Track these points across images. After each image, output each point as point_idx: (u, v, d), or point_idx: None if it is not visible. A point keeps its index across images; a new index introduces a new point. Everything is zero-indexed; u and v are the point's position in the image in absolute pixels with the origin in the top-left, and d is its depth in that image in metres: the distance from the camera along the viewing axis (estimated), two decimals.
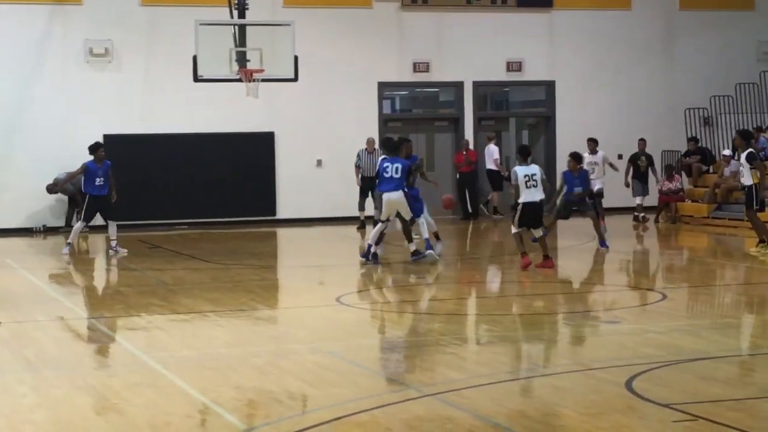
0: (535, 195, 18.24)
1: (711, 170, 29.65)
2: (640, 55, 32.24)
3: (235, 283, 17.93)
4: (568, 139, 31.50)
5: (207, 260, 21.37)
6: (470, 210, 30.60)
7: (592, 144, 25.66)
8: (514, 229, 18.59)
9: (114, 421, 9.13)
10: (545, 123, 32.49)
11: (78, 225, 22.70)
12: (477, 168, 30.94)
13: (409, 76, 31.05)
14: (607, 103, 31.98)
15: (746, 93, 31.67)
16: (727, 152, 28.34)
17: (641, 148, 28.84)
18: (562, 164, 31.22)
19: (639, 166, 28.57)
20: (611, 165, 25.90)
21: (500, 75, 31.60)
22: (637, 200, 28.42)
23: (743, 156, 20.54)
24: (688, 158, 29.90)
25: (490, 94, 33.03)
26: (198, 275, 19.17)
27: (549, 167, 31.67)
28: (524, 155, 18.69)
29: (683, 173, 29.72)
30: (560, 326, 14.00)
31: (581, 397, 9.67)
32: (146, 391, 10.12)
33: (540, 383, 10.27)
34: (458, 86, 31.44)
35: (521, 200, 18.25)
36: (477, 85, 31.51)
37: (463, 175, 30.69)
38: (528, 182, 18.14)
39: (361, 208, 27.47)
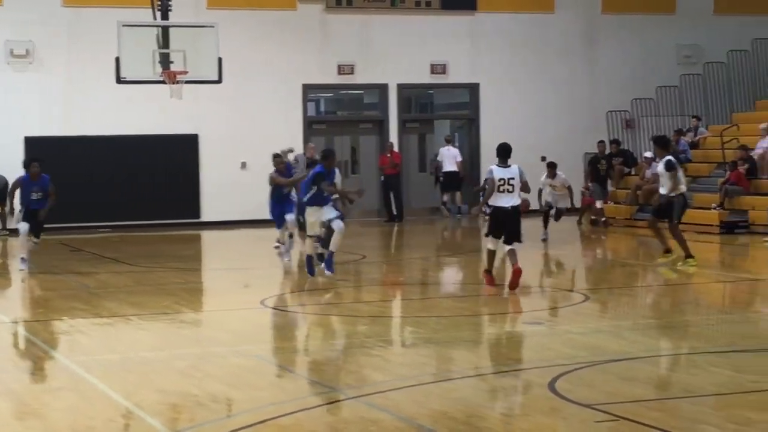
0: (508, 200, 16.10)
1: (633, 172, 29.93)
2: (562, 58, 32.49)
3: (159, 286, 17.81)
4: (492, 142, 31.56)
5: (130, 263, 21.21)
6: (395, 212, 30.65)
7: (552, 169, 24.59)
8: (487, 242, 16.74)
9: (35, 426, 9.03)
10: (469, 125, 32.63)
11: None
12: (401, 170, 31.03)
13: (333, 78, 31.05)
14: (531, 106, 32.18)
15: (667, 96, 32.10)
16: (648, 154, 28.59)
17: (601, 151, 28.93)
18: (486, 166, 31.41)
19: (599, 170, 28.54)
20: (569, 188, 25.26)
21: (424, 77, 31.69)
22: (598, 204, 27.98)
23: (661, 164, 19.10)
24: (612, 160, 30.12)
25: (414, 97, 33.12)
26: (121, 278, 19.02)
27: (473, 169, 31.87)
28: (503, 155, 16.37)
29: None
30: (484, 328, 14.07)
31: (505, 398, 9.73)
32: (68, 395, 10.02)
33: (464, 384, 10.31)
34: (383, 88, 31.49)
35: (491, 203, 16.23)
36: (401, 88, 31.57)
37: (387, 177, 30.73)
38: (502, 186, 16.08)
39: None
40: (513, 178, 16.11)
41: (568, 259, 22.16)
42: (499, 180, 16.05)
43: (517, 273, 15.91)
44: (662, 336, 13.05)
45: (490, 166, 16.46)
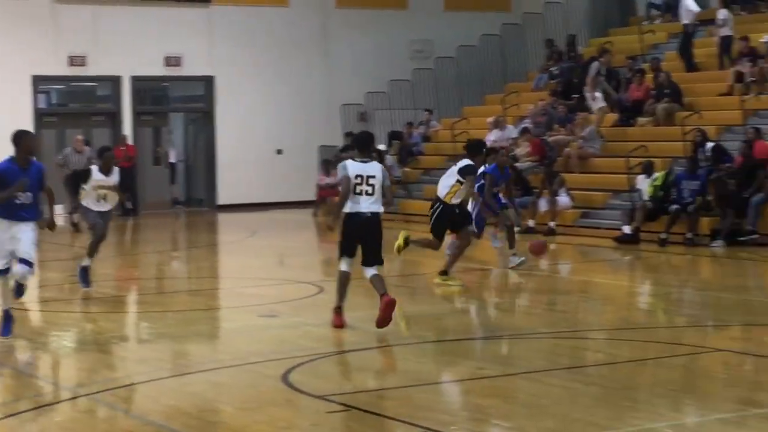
0: (368, 204, 12.35)
1: None
2: (298, 52, 32.65)
3: None
4: (227, 134, 31.66)
5: None
6: (129, 206, 30.22)
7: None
8: (340, 264, 12.79)
9: None
10: (204, 118, 32.46)
11: None
12: (136, 163, 30.63)
13: (64, 70, 30.35)
14: (267, 99, 32.23)
15: (399, 90, 32.70)
16: (381, 147, 29.07)
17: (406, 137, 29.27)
18: (222, 159, 31.48)
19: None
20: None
21: (159, 70, 31.33)
22: None
23: (457, 167, 15.95)
24: (344, 153, 30.47)
25: (148, 89, 32.71)
26: None
27: (209, 163, 31.78)
28: (362, 147, 12.70)
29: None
30: (219, 321, 14.05)
31: (238, 392, 9.73)
32: None
33: (197, 379, 10.25)
34: (116, 80, 30.98)
35: (346, 210, 12.42)
36: (135, 80, 31.12)
37: (122, 170, 30.19)
38: (359, 185, 12.29)
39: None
40: (373, 177, 12.33)
41: (302, 251, 22.30)
42: (356, 177, 12.29)
43: (389, 305, 12.21)
44: (396, 326, 13.27)
45: (344, 161, 12.69)
